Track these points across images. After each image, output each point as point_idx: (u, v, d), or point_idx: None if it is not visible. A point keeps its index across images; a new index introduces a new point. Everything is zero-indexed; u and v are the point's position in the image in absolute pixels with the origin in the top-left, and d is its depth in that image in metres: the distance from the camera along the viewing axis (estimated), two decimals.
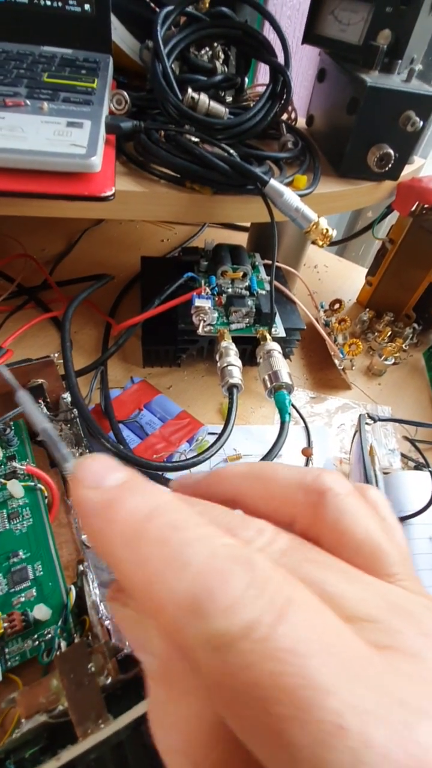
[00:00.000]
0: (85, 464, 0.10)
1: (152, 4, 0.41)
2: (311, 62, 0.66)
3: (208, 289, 0.35)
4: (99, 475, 0.10)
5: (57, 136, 0.27)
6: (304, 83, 0.64)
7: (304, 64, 0.65)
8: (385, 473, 0.34)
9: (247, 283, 0.37)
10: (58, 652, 0.20)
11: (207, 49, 0.40)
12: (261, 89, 0.43)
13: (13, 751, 0.18)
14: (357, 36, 0.38)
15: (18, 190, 0.26)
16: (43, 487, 0.27)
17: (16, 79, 0.33)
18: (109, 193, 0.28)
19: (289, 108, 0.44)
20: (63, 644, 0.20)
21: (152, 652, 0.09)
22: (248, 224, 0.58)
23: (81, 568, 0.25)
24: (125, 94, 0.35)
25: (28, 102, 0.30)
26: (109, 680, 0.17)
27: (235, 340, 0.34)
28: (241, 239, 0.52)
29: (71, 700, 0.16)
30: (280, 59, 0.37)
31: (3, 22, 0.37)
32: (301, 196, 0.33)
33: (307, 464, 0.35)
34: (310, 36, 0.43)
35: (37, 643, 0.21)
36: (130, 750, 0.17)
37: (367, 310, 0.47)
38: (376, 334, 0.46)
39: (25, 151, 0.26)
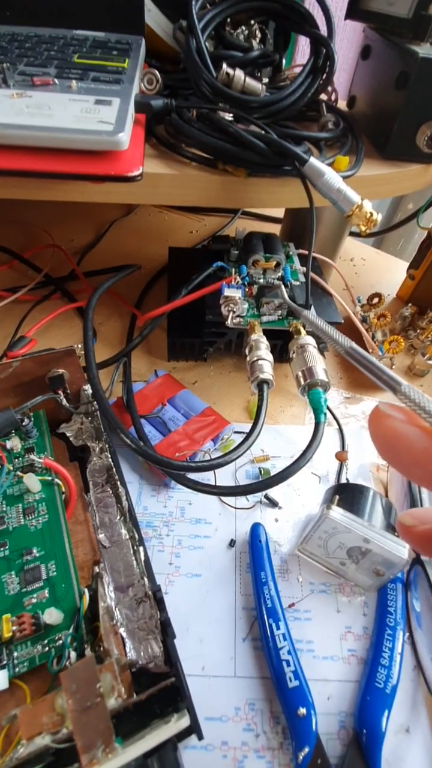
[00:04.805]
0: None
1: None
2: (351, 44, 0.62)
3: (238, 279, 0.33)
4: None
5: (84, 114, 0.26)
6: (344, 66, 0.61)
7: (344, 46, 0.62)
8: None
9: (280, 273, 0.35)
10: (67, 663, 0.18)
11: (243, 28, 0.38)
12: (299, 70, 0.41)
13: (24, 764, 0.17)
14: (406, 8, 0.35)
15: (42, 169, 0.25)
16: (60, 482, 0.26)
17: (46, 61, 0.32)
18: (136, 173, 0.26)
19: (329, 89, 0.41)
20: (73, 655, 0.19)
21: None
22: (281, 216, 0.55)
23: (96, 569, 0.24)
24: (156, 73, 0.33)
25: (56, 81, 0.29)
26: (119, 703, 0.15)
27: (265, 333, 0.32)
28: (273, 231, 0.49)
29: (76, 723, 0.14)
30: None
31: (37, 7, 0.37)
32: (342, 178, 0.30)
33: (340, 470, 0.32)
34: (355, 11, 0.40)
35: (47, 649, 0.20)
36: None
37: (409, 305, 0.43)
38: (418, 331, 0.42)
39: (51, 128, 0.24)
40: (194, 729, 0.17)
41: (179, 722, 0.15)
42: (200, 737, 0.17)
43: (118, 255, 0.49)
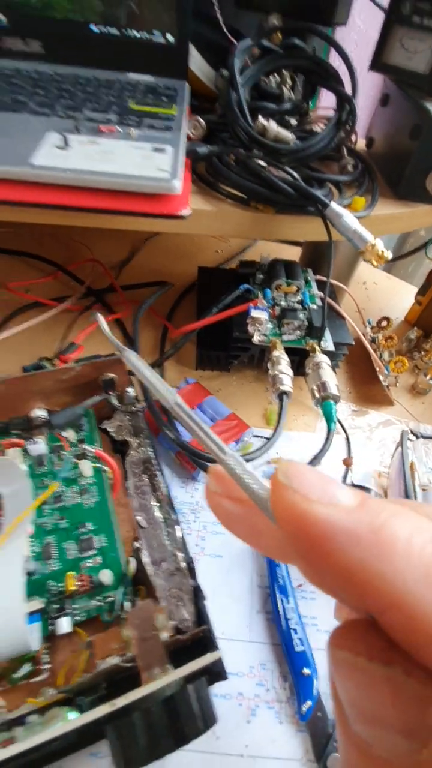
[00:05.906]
0: (300, 472, 0.09)
1: (229, 36, 0.45)
2: (374, 84, 0.67)
3: (264, 301, 0.37)
4: (323, 488, 0.08)
5: (144, 160, 0.31)
6: (366, 103, 0.66)
7: (366, 85, 0.67)
8: (423, 490, 0.35)
9: (299, 297, 0.39)
10: (120, 612, 0.23)
11: (276, 75, 0.43)
12: (323, 112, 0.45)
13: (81, 692, 0.21)
14: (423, 64, 0.40)
15: (110, 208, 0.29)
16: (107, 470, 0.30)
17: (107, 106, 0.37)
18: (185, 213, 0.31)
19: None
20: (127, 605, 0.23)
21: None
22: (300, 240, 0.60)
23: (136, 545, 0.28)
24: (201, 120, 0.38)
25: (119, 129, 0.34)
26: (169, 637, 0.19)
27: (285, 350, 0.36)
28: (292, 253, 0.54)
29: (139, 649, 0.18)
30: (347, 85, 0.39)
31: (96, 51, 0.42)
32: (358, 217, 0.35)
33: (346, 474, 0.37)
34: (378, 64, 0.45)
35: (100, 603, 0.24)
36: (180, 702, 0.19)
37: (415, 328, 0.48)
38: (423, 353, 0.46)
39: (118, 174, 0.29)
40: (221, 671, 0.22)
41: (213, 654, 0.20)
42: (225, 677, 0.22)
43: (150, 271, 0.54)
